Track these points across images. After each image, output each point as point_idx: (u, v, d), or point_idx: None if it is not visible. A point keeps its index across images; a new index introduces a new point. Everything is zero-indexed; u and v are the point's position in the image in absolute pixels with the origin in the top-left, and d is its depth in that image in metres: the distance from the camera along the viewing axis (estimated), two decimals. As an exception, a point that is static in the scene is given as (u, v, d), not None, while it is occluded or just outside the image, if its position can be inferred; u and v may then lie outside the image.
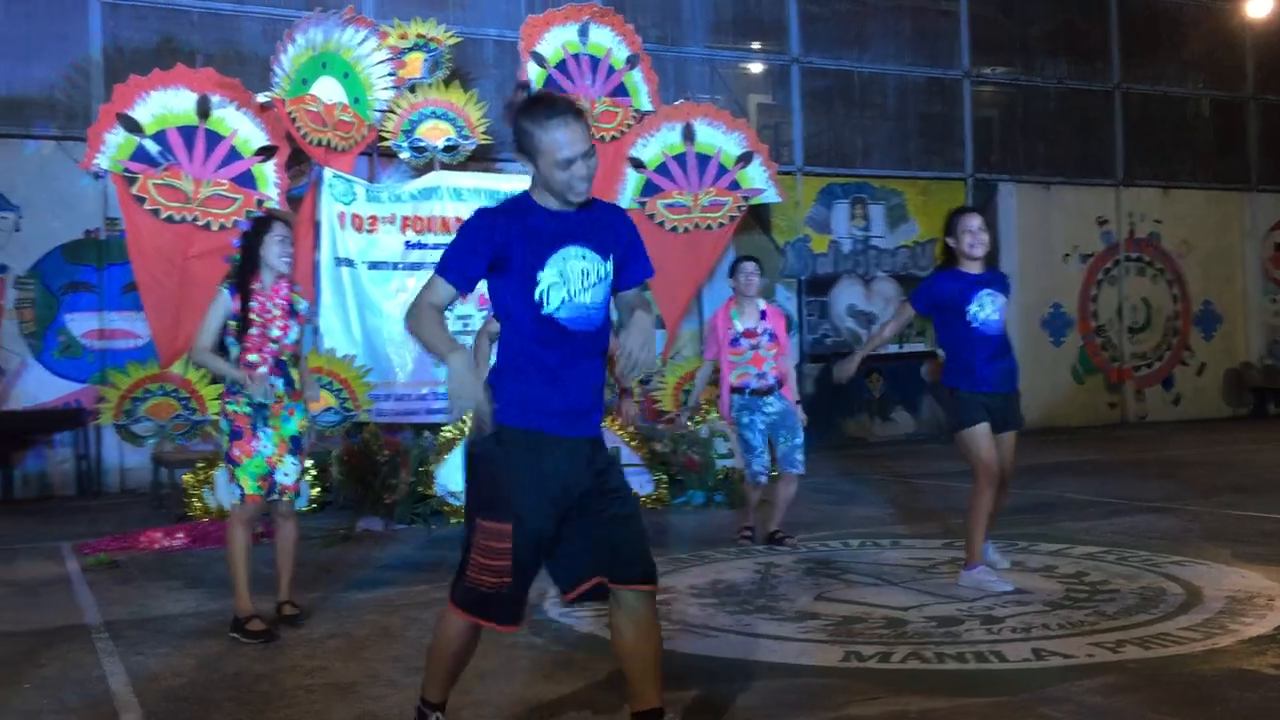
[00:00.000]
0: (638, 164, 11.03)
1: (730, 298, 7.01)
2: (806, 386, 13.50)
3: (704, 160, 11.21)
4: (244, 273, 4.95)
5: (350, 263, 9.92)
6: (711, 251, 11.52)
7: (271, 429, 4.91)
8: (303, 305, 5.07)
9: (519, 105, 3.05)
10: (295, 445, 5.00)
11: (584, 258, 3.06)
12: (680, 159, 11.15)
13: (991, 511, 5.54)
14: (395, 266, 10.01)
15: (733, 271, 7.00)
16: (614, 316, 3.21)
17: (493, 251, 3.01)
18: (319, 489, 8.56)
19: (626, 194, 11.02)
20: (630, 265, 3.20)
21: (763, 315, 6.86)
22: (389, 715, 3.73)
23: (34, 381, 10.34)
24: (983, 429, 5.40)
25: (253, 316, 4.87)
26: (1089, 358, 15.51)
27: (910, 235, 14.51)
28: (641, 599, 3.08)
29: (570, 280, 3.03)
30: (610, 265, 3.12)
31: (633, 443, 9.06)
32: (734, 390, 6.82)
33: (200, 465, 8.30)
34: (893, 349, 14.16)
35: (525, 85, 3.19)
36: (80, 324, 10.52)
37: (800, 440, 6.81)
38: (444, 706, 3.26)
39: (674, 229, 11.09)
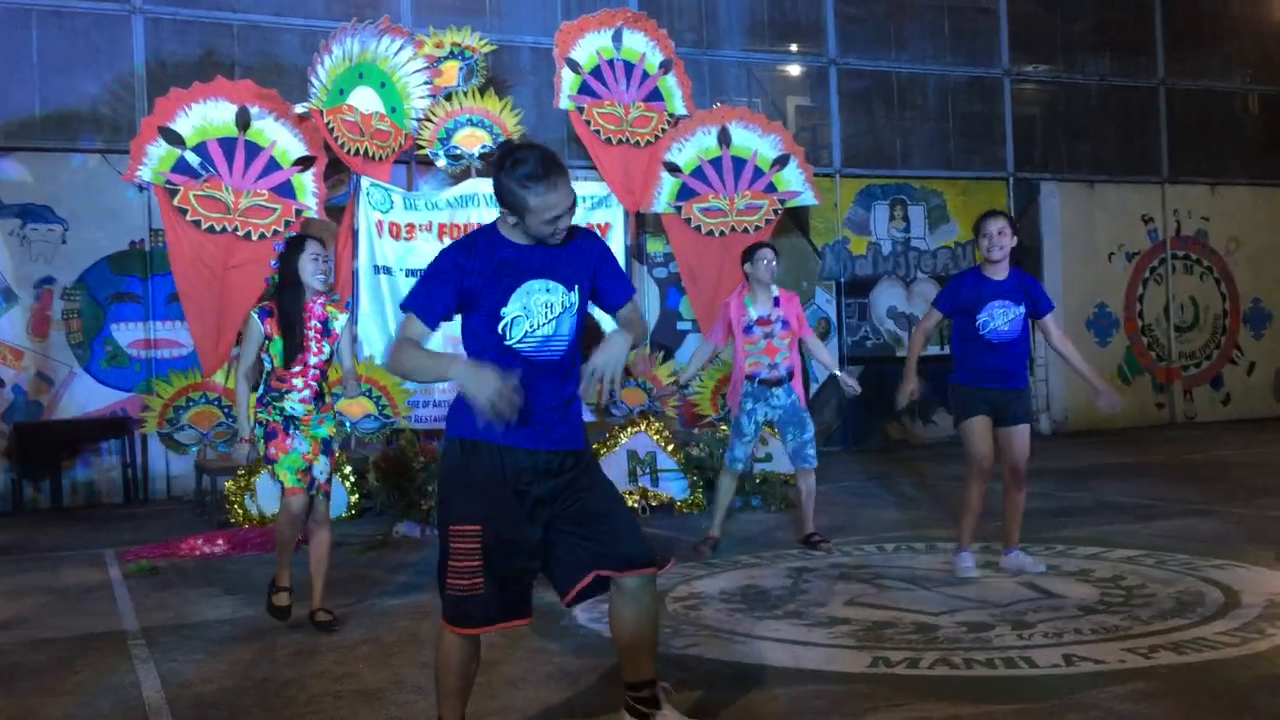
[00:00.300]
0: (673, 168, 11.03)
1: (744, 285, 6.87)
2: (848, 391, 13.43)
3: (740, 164, 11.18)
4: (282, 295, 5.08)
5: (389, 270, 10.01)
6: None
7: (303, 434, 5.09)
8: (338, 322, 5.16)
9: (499, 163, 3.12)
10: (326, 447, 5.19)
11: (548, 290, 3.16)
12: (716, 163, 11.13)
13: (1012, 513, 5.75)
14: (433, 274, 10.07)
15: (749, 258, 6.79)
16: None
17: (458, 292, 3.13)
18: (357, 495, 8.65)
19: (662, 199, 11.03)
20: (609, 289, 3.33)
21: (775, 303, 6.75)
22: (414, 721, 3.76)
23: (82, 391, 10.52)
24: (978, 421, 5.58)
25: (310, 335, 5.04)
26: (1135, 358, 15.28)
27: (951, 236, 14.38)
28: (640, 583, 3.19)
29: (533, 314, 3.14)
30: (575, 296, 3.20)
31: (669, 447, 9.07)
32: (745, 378, 6.72)
33: (241, 472, 8.41)
34: (934, 350, 14.07)
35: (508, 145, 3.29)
36: (126, 334, 10.69)
37: (810, 435, 6.74)
38: None
39: (710, 233, 11.07)
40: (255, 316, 5.07)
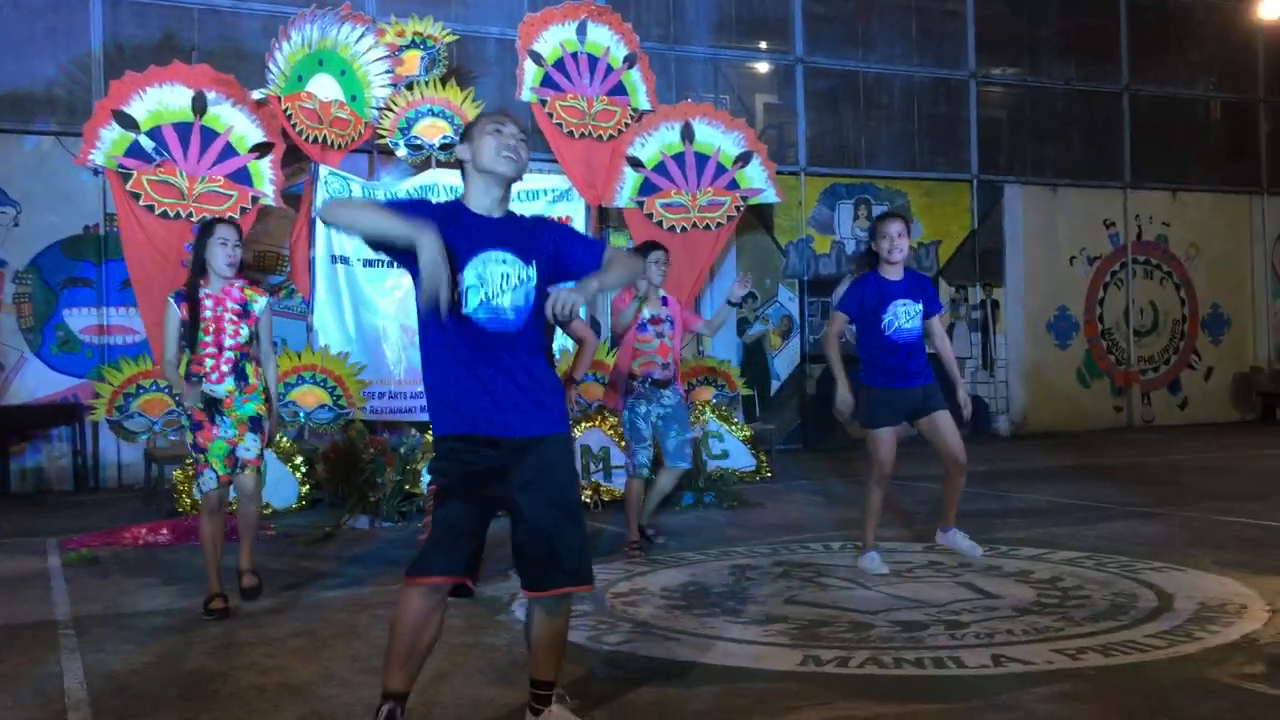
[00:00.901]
0: (636, 163, 11.02)
1: (630, 287, 6.83)
2: (808, 388, 13.48)
3: (702, 160, 11.19)
4: (193, 278, 5.14)
5: (346, 260, 9.95)
6: (710, 252, 11.50)
7: (229, 417, 5.12)
8: (258, 305, 5.21)
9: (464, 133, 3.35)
10: (255, 425, 5.19)
11: (504, 262, 3.20)
12: (679, 158, 11.13)
13: (951, 495, 6.05)
14: (390, 264, 9.88)
15: (644, 255, 6.72)
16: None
17: (423, 213, 3.13)
18: (308, 487, 8.59)
19: (624, 193, 11.02)
20: (580, 256, 3.31)
21: (665, 302, 6.81)
22: (335, 715, 3.72)
23: (32, 376, 10.41)
24: (884, 433, 5.77)
25: (205, 323, 5.02)
26: (1095, 361, 15.40)
27: (914, 237, 14.42)
28: (557, 601, 3.25)
29: (489, 283, 3.17)
30: (534, 271, 3.22)
31: (623, 444, 9.03)
32: (632, 377, 6.69)
33: (189, 461, 8.32)
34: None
35: None
36: (79, 319, 10.58)
37: (690, 435, 6.84)
38: (403, 699, 3.23)
39: (672, 228, 11.07)
40: (171, 301, 5.15)
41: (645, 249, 6.85)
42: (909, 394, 5.78)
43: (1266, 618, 4.69)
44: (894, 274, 5.79)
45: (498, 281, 3.16)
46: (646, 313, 6.69)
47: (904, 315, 5.74)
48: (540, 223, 3.37)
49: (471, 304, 3.15)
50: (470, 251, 3.16)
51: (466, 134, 3.30)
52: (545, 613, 3.28)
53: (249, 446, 5.18)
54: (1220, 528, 7.05)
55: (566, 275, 3.29)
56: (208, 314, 5.07)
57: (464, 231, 3.18)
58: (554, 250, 3.27)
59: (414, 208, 3.15)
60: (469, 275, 3.15)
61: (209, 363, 5.09)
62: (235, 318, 5.12)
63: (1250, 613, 4.78)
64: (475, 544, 3.23)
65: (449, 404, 3.19)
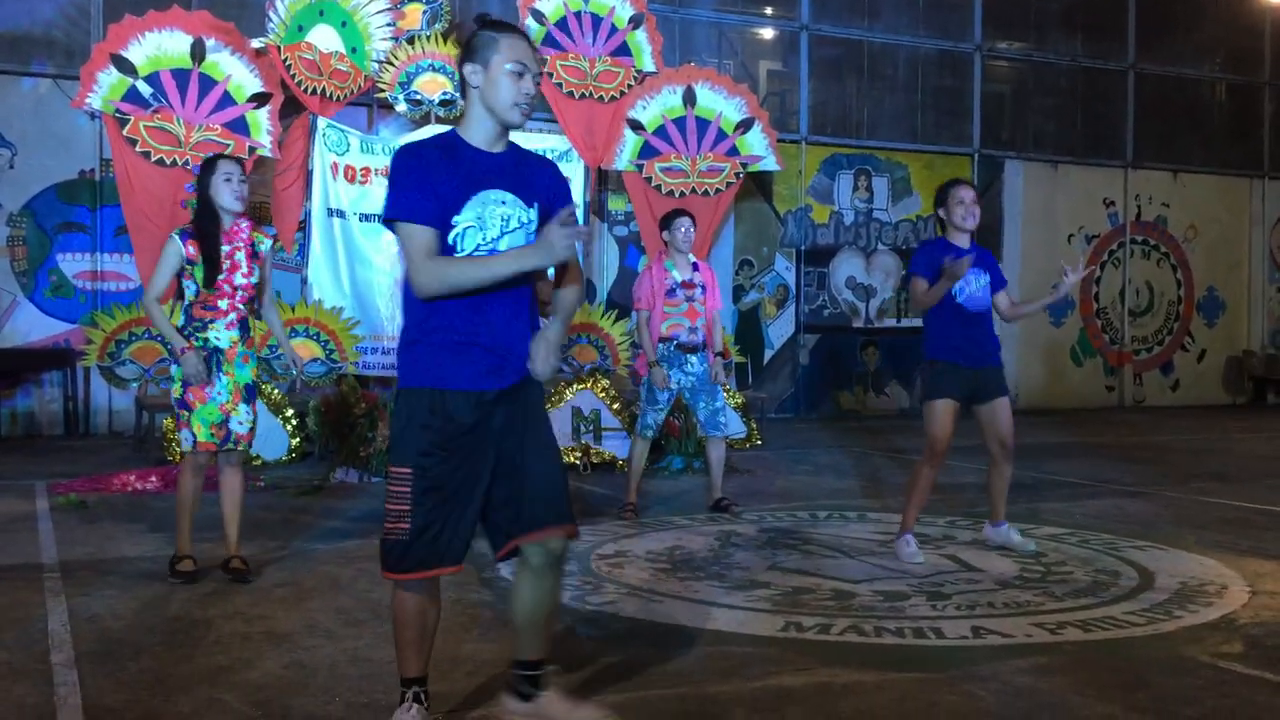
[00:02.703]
0: (636, 126, 10.94)
1: (663, 250, 6.89)
2: (802, 357, 13.49)
3: (703, 125, 11.11)
4: (200, 217, 4.92)
5: (342, 214, 9.88)
6: (709, 218, 11.41)
7: (226, 375, 4.90)
8: (265, 245, 5.02)
9: (478, 18, 3.05)
10: (249, 394, 4.97)
11: (504, 202, 2.99)
12: (680, 122, 11.05)
13: (1000, 487, 5.69)
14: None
15: (667, 225, 6.83)
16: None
17: (429, 184, 2.91)
18: (298, 439, 8.60)
19: (624, 156, 10.95)
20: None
21: (695, 268, 6.81)
22: (318, 666, 3.74)
23: (24, 320, 10.39)
24: (945, 404, 5.44)
25: (224, 262, 4.85)
26: (1089, 340, 15.42)
27: (913, 209, 14.41)
28: (545, 563, 3.05)
29: (488, 225, 2.97)
30: (534, 214, 3.04)
31: (614, 406, 9.06)
32: (662, 340, 6.73)
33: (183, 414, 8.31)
34: (890, 322, 14.13)
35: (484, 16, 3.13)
36: (73, 265, 10.54)
37: (721, 403, 6.82)
38: (423, 681, 3.09)
39: (670, 193, 11.01)
40: (176, 237, 4.87)
41: (671, 216, 6.87)
42: (975, 375, 5.47)
43: (1245, 598, 4.72)
44: (963, 241, 5.53)
45: (496, 224, 2.96)
46: (677, 277, 6.73)
47: (974, 282, 5.45)
48: (543, 163, 3.15)
49: (468, 247, 2.94)
50: (469, 190, 2.93)
51: (478, 52, 2.98)
52: (534, 579, 3.07)
53: (242, 420, 4.91)
54: (1205, 508, 7.08)
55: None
56: (225, 260, 4.82)
57: (462, 168, 2.94)
58: (549, 198, 3.07)
59: (420, 188, 2.89)
60: (467, 214, 2.93)
61: (224, 303, 4.84)
62: (248, 256, 4.90)
63: (1230, 593, 4.81)
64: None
65: (424, 362, 3.00)
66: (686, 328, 6.70)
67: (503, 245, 2.97)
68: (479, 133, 3.02)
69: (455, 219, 2.94)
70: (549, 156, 10.67)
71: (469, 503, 3.02)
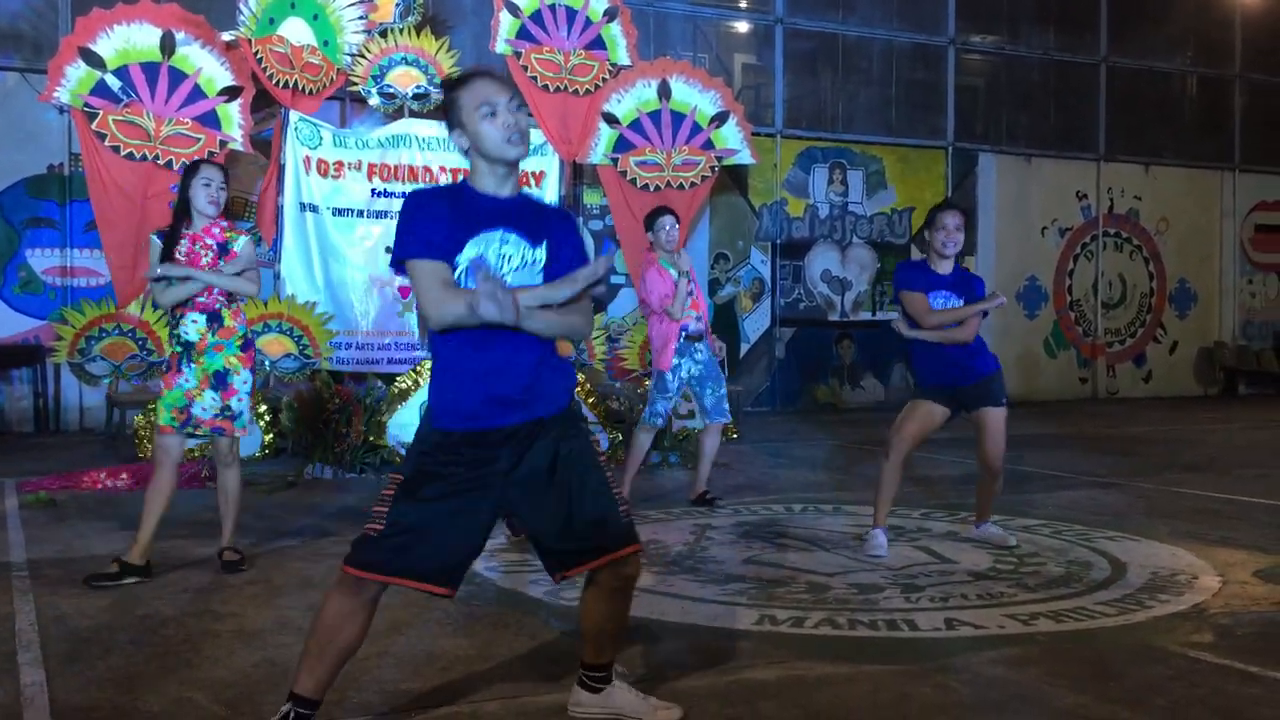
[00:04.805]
0: (611, 119, 10.92)
1: (651, 253, 6.92)
2: (778, 351, 13.51)
3: (678, 118, 11.10)
4: (177, 218, 5.08)
5: (315, 208, 9.82)
6: (684, 212, 11.39)
7: (195, 364, 5.00)
8: (238, 243, 5.08)
9: (443, 83, 3.11)
10: (219, 381, 5.04)
11: (507, 242, 3.01)
12: (655, 116, 11.03)
13: (987, 494, 5.72)
14: (360, 214, 9.92)
15: (650, 226, 6.91)
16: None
17: (434, 223, 2.95)
18: (271, 435, 8.54)
19: (599, 150, 10.92)
20: (564, 259, 3.08)
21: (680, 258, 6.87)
22: (288, 664, 3.69)
23: (-7, 316, 10.28)
24: (925, 407, 5.50)
25: (178, 258, 4.94)
26: (1062, 332, 15.51)
27: (888, 202, 14.44)
28: (619, 584, 3.15)
29: (489, 265, 2.97)
30: (541, 252, 3.05)
31: (589, 400, 9.03)
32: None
33: (151, 407, 8.24)
34: (865, 315, 14.17)
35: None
36: (41, 260, 10.44)
37: (725, 390, 6.94)
38: (311, 705, 3.00)
39: (645, 187, 11.00)
40: (153, 238, 5.08)
41: (655, 215, 6.96)
42: (968, 390, 5.48)
43: (1216, 588, 4.76)
44: (943, 267, 5.52)
45: (498, 263, 2.98)
46: (674, 272, 6.79)
47: (946, 306, 5.44)
48: (557, 212, 3.20)
49: (473, 284, 2.92)
50: (471, 230, 2.97)
51: (450, 116, 3.04)
52: (607, 597, 3.17)
53: (205, 405, 4.98)
54: (1177, 499, 7.13)
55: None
56: (180, 254, 4.97)
57: (464, 210, 3.00)
58: (560, 239, 3.08)
59: (426, 230, 2.94)
60: (469, 253, 2.96)
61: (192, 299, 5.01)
62: (215, 256, 5.01)
63: (1200, 583, 4.85)
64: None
65: (440, 403, 3.06)
66: (694, 317, 6.84)
67: (509, 282, 2.97)
68: (484, 179, 3.06)
69: (458, 258, 2.97)
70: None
71: (454, 530, 3.01)
